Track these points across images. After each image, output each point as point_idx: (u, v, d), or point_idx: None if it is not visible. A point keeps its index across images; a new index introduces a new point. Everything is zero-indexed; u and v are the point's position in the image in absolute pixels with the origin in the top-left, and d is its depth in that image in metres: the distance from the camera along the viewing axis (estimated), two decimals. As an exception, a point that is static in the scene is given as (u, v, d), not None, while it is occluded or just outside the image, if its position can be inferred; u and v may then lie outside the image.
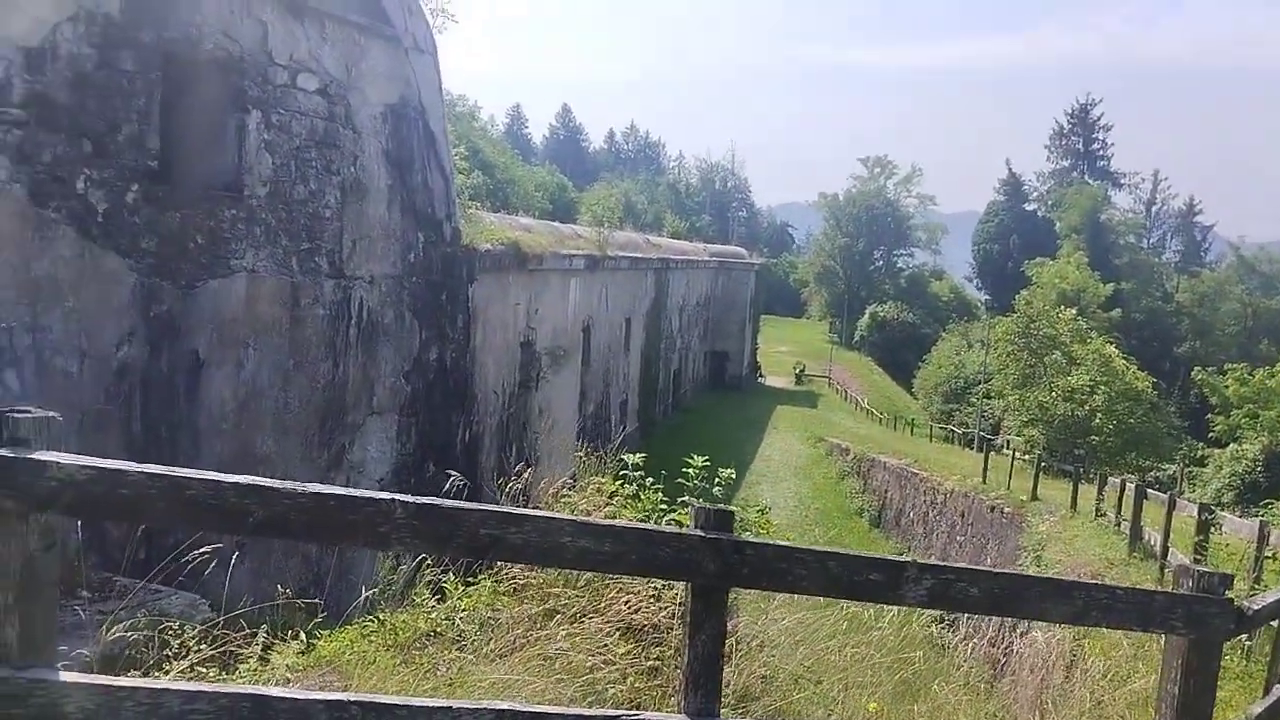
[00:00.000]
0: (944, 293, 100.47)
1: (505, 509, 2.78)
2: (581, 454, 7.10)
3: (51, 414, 2.58)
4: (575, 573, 5.12)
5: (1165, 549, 13.32)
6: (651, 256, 40.79)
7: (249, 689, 2.67)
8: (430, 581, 5.28)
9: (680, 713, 2.97)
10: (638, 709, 3.82)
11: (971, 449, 40.86)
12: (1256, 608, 4.13)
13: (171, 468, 2.52)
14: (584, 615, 4.89)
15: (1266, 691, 5.74)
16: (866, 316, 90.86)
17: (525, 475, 7.25)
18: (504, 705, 2.73)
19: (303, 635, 4.44)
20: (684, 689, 3.00)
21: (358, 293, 14.54)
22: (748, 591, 5.40)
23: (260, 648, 4.04)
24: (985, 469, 26.45)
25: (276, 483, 2.57)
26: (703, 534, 2.98)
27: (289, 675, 4.08)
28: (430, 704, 2.65)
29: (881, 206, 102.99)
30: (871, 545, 29.62)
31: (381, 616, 5.09)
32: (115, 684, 2.56)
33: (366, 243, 14.74)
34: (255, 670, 3.91)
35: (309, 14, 13.37)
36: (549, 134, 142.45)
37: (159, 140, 11.39)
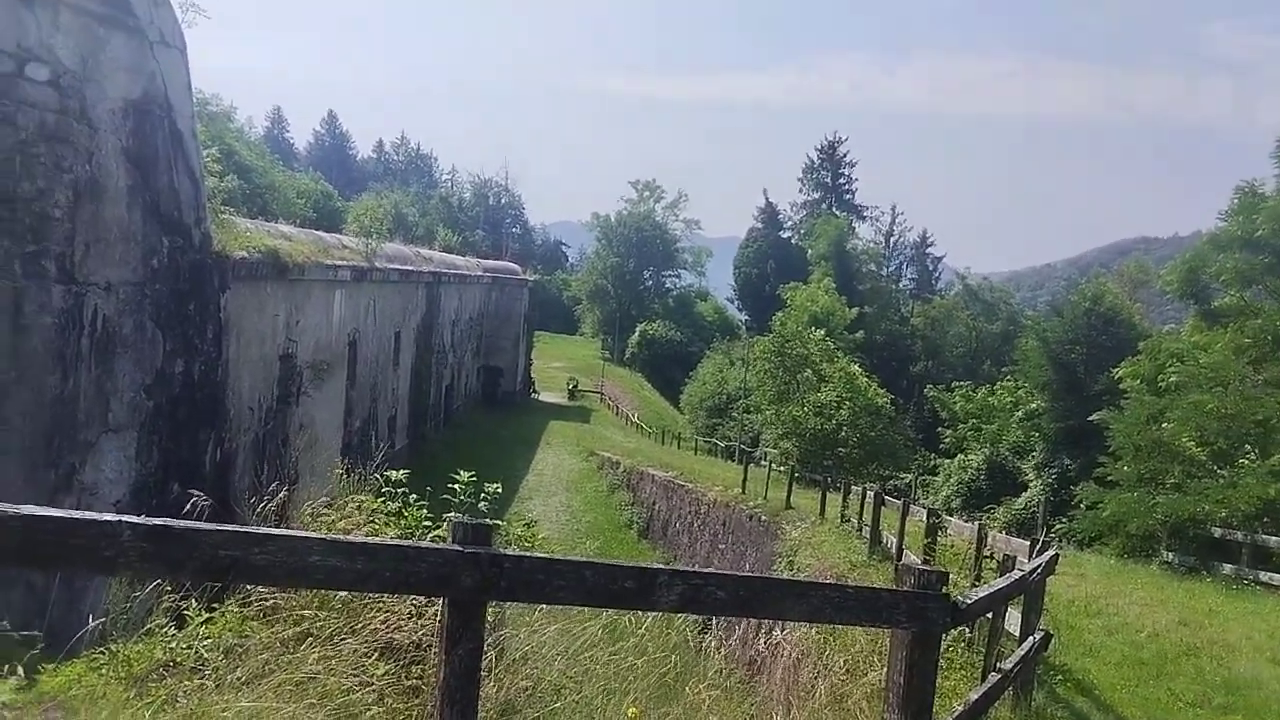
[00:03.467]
0: (709, 313, 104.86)
1: (247, 529, 2.67)
2: (342, 471, 6.87)
3: None
4: (330, 593, 4.95)
5: (900, 551, 14.51)
6: (423, 269, 39.99)
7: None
8: (169, 608, 4.93)
9: (435, 728, 2.96)
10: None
11: (733, 461, 42.79)
12: (969, 602, 4.61)
13: None
14: (339, 636, 4.73)
15: (983, 679, 6.39)
16: (637, 334, 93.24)
17: (281, 495, 6.91)
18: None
19: (21, 670, 4.02)
20: (439, 706, 2.99)
21: (92, 300, 13.38)
22: (515, 605, 5.43)
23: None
24: (745, 480, 27.74)
25: (-17, 506, 2.34)
26: (461, 548, 2.99)
27: (5, 714, 3.68)
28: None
29: (650, 229, 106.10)
30: (640, 556, 30.34)
31: (113, 647, 4.69)
32: None
33: (102, 246, 13.59)
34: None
35: (41, 1, 12.25)
36: (314, 140, 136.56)
37: None
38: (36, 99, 12.63)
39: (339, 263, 27.38)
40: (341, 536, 2.98)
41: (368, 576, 2.85)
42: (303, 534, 2.76)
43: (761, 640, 9.89)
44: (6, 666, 4.33)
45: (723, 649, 7.06)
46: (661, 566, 3.38)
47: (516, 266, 69.24)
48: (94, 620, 4.56)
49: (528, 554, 3.14)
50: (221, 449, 17.76)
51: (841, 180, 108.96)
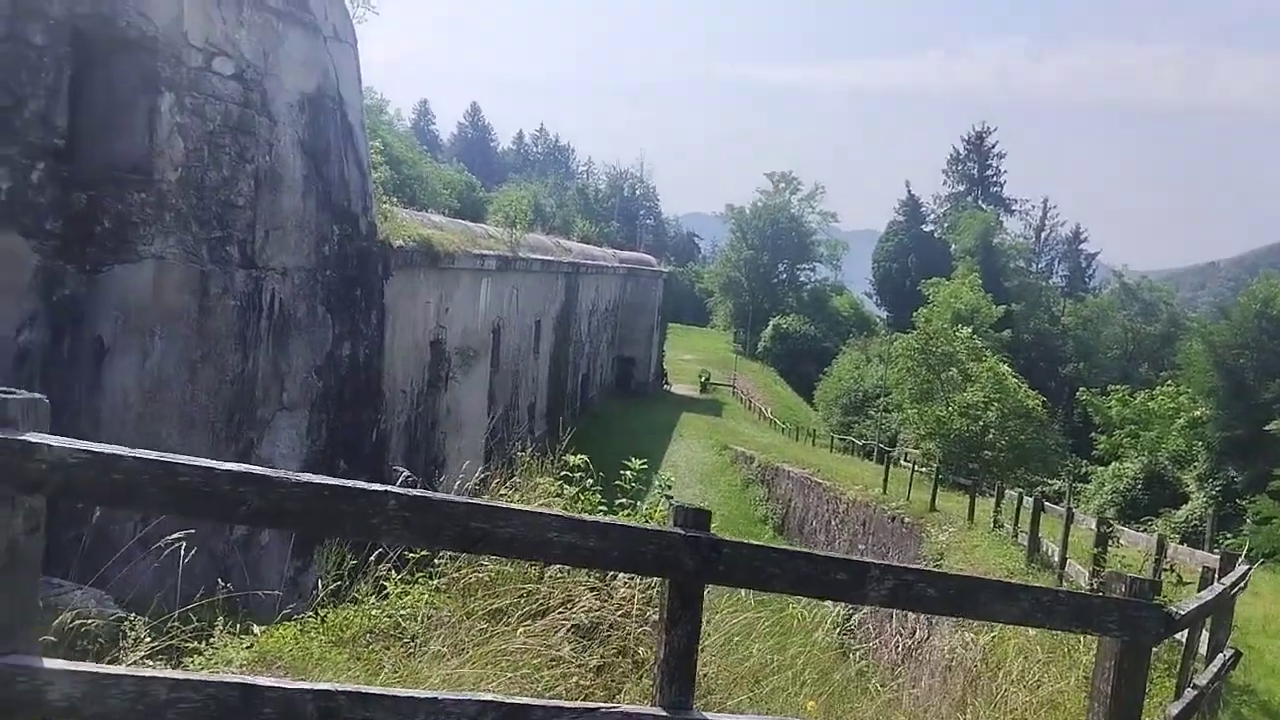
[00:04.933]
0: (844, 308, 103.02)
1: (494, 504, 2.78)
2: (514, 448, 7.09)
3: (39, 396, 2.48)
4: (521, 573, 5.12)
5: (1064, 560, 13.95)
6: (563, 260, 40.70)
7: (236, 678, 2.60)
8: (372, 579, 5.20)
9: (656, 706, 3.03)
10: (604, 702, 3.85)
11: (870, 460, 41.99)
12: (1182, 613, 4.41)
13: (166, 454, 2.45)
14: (530, 615, 4.89)
15: (1178, 694, 6.10)
16: (770, 328, 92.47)
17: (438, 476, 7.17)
18: (487, 697, 2.74)
19: (255, 629, 4.33)
20: (659, 683, 3.05)
21: (270, 284, 14.15)
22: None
23: (203, 642, 3.92)
24: (885, 480, 27.21)
25: (271, 471, 2.52)
26: (683, 532, 3.04)
27: (240, 670, 3.97)
28: (416, 694, 2.63)
29: (786, 221, 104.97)
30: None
31: (322, 613, 4.99)
32: (101, 671, 2.47)
33: (280, 234, 14.35)
34: (206, 663, 3.79)
35: (229, -4, 13.00)
36: (457, 131, 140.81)
37: (67, 118, 10.94)
38: (223, 92, 13.41)
39: (485, 252, 28.14)
40: (578, 515, 3.08)
41: (599, 554, 2.94)
42: (543, 511, 2.86)
43: (919, 643, 9.69)
44: (219, 627, 4.65)
45: (882, 651, 6.95)
46: (873, 561, 3.35)
47: (651, 258, 69.66)
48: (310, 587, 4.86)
49: (745, 541, 3.17)
50: (378, 430, 18.55)
51: (989, 172, 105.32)
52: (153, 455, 2.43)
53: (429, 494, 2.67)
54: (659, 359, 66.35)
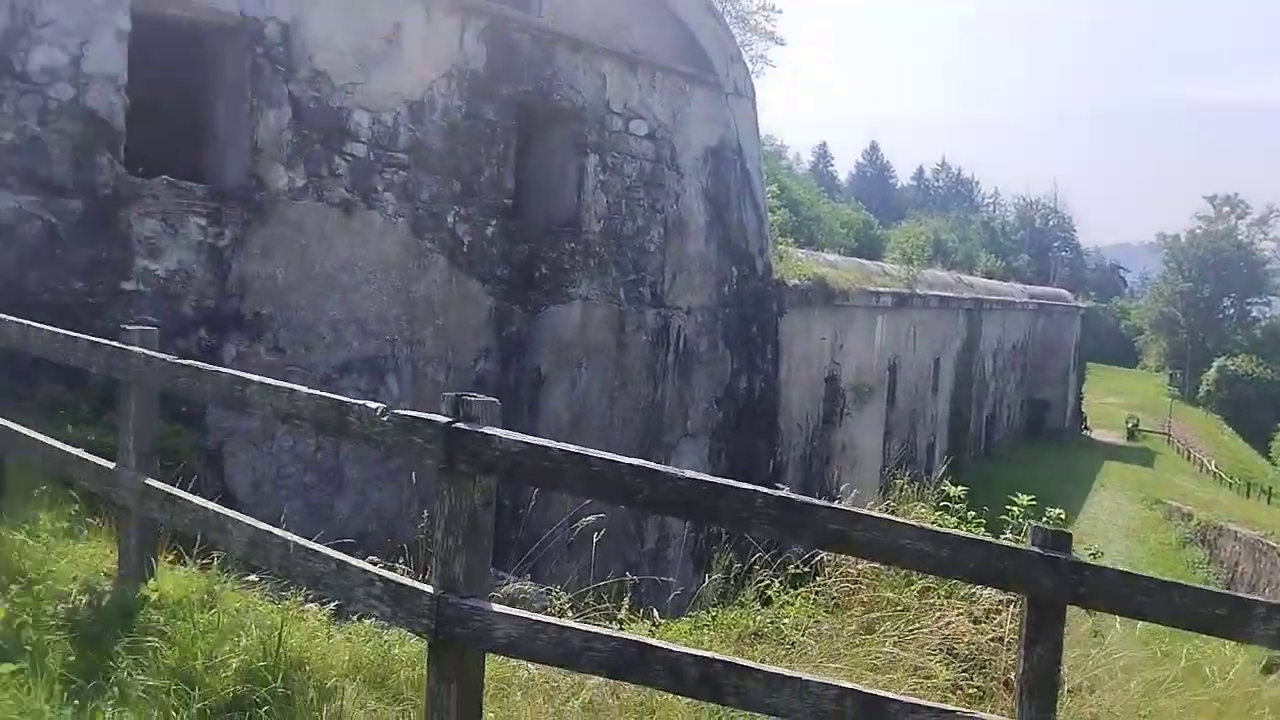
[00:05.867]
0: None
1: (850, 509, 3.06)
2: (899, 480, 7.22)
3: (493, 399, 3.21)
4: (897, 595, 5.29)
5: None
6: (963, 296, 39.29)
7: (635, 636, 3.13)
8: (758, 585, 5.66)
9: (1013, 719, 3.09)
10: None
11: (1344, 525, 35.44)
12: None
13: (581, 447, 3.05)
14: (904, 637, 5.03)
15: None
16: (1213, 370, 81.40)
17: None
18: (848, 685, 3.00)
19: (640, 615, 4.97)
20: (1018, 698, 3.11)
21: (676, 321, 15.42)
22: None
23: (617, 622, 4.61)
24: (1360, 547, 22.95)
25: (660, 466, 3.02)
26: (1040, 551, 3.09)
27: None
28: (784, 672, 2.97)
29: (1231, 249, 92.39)
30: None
31: (712, 613, 5.54)
32: (533, 618, 3.12)
33: (685, 275, 15.61)
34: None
35: (642, 66, 14.50)
36: (855, 171, 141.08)
37: (513, 181, 12.85)
38: (638, 150, 14.92)
39: (880, 289, 28.11)
40: (930, 525, 3.25)
41: (952, 565, 3.09)
42: (897, 519, 3.08)
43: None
44: (641, 612, 5.34)
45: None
46: (1259, 598, 3.13)
47: (1066, 293, 64.72)
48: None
49: (1108, 566, 3.13)
50: (774, 461, 19.27)
51: None
52: (573, 448, 3.03)
53: (793, 495, 3.01)
54: (1076, 402, 61.18)
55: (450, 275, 12.00)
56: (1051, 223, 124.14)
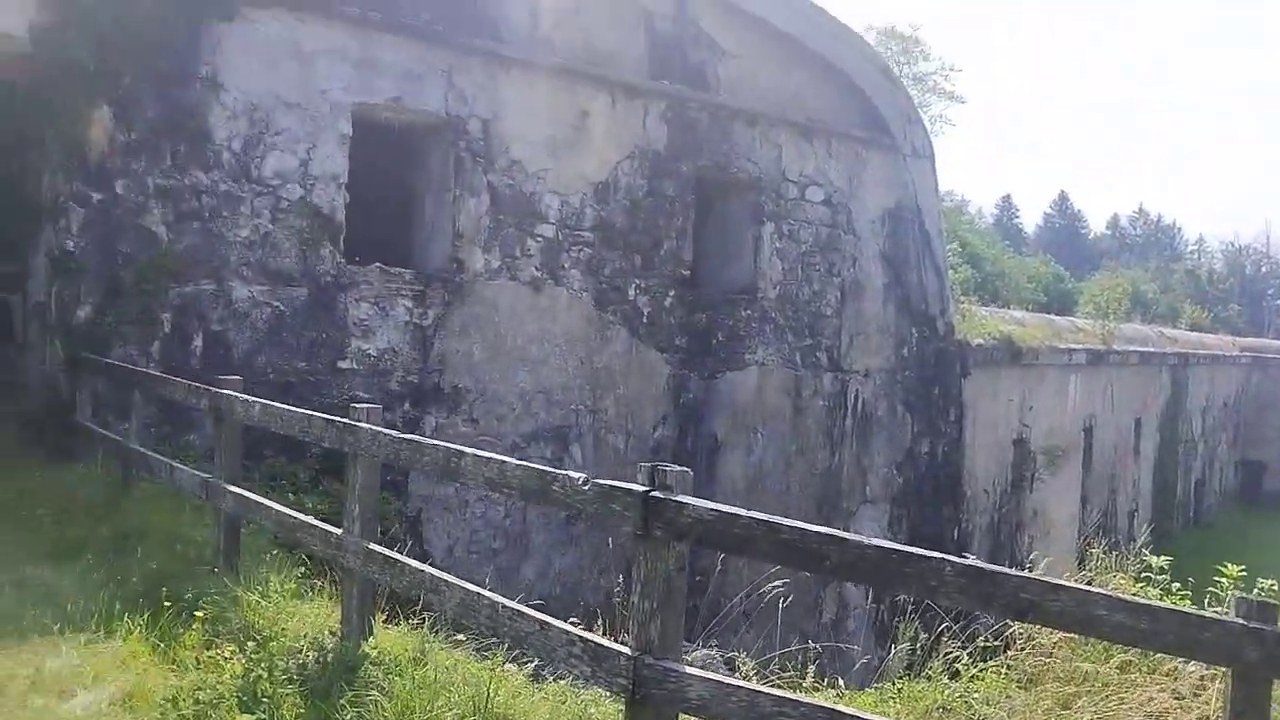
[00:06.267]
0: None
1: (1043, 578, 3.07)
2: (1095, 550, 6.94)
3: (686, 469, 3.44)
4: (1095, 668, 5.09)
5: None
6: (1166, 351, 36.85)
7: (825, 703, 3.24)
8: (945, 657, 5.57)
9: (1222, 803, 2.98)
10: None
11: None
12: None
13: (770, 515, 3.22)
14: (1102, 713, 4.84)
15: None
16: None
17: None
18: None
19: (824, 685, 5.01)
20: (1225, 780, 3.00)
21: (854, 385, 15.30)
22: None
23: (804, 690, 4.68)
24: None
25: (848, 534, 3.15)
26: (1245, 623, 2.99)
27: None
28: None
29: None
30: None
31: (898, 685, 5.49)
32: (725, 681, 3.29)
33: (863, 338, 15.51)
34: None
35: (817, 134, 14.71)
36: (1043, 222, 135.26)
37: (691, 252, 13.25)
38: (814, 216, 15.06)
39: (1072, 346, 26.83)
40: (1127, 595, 3.21)
41: (1150, 636, 3.03)
42: (1091, 589, 3.07)
43: None
44: (826, 682, 5.37)
45: None
46: None
47: (1284, 344, 59.59)
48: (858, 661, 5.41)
49: (1326, 643, 2.98)
50: (959, 528, 18.59)
51: None
52: (762, 515, 3.20)
53: (983, 564, 3.06)
54: (1300, 463, 55.82)
55: (631, 345, 12.45)
56: (1264, 269, 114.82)
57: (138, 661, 4.91)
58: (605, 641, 3.57)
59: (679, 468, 3.40)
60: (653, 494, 3.35)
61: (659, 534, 3.34)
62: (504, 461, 3.98)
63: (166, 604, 5.26)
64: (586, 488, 3.57)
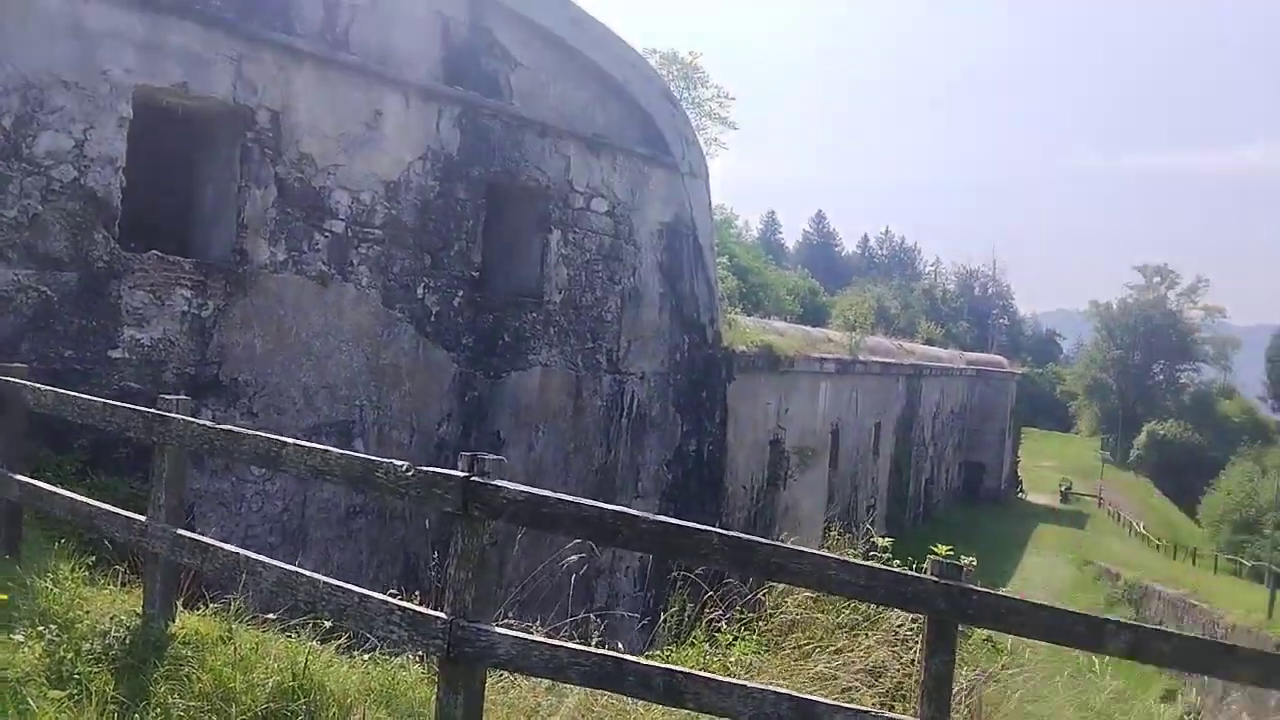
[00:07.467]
0: (1234, 413, 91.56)
1: (790, 546, 3.84)
2: (834, 532, 8.02)
3: (502, 458, 3.95)
4: (825, 620, 6.07)
5: None
6: (904, 362, 40.74)
7: (613, 653, 3.85)
8: (709, 625, 6.37)
9: (917, 718, 3.85)
10: None
11: (1260, 583, 37.02)
12: None
13: (574, 497, 3.80)
14: (833, 664, 5.78)
15: None
16: (1144, 435, 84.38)
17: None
18: (784, 690, 3.74)
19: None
20: (920, 700, 3.88)
21: (630, 387, 16.21)
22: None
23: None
24: (1271, 604, 24.26)
25: (636, 511, 3.79)
26: (936, 579, 3.89)
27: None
28: (733, 681, 3.72)
29: (1161, 317, 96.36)
30: (1142, 677, 27.59)
31: (665, 652, 6.23)
32: (529, 638, 3.83)
33: (640, 343, 16.46)
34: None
35: (604, 149, 15.50)
36: (802, 239, 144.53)
37: (480, 255, 13.63)
38: (598, 226, 15.83)
39: (824, 355, 29.27)
40: (853, 560, 4.04)
41: (867, 590, 3.88)
42: (826, 554, 3.87)
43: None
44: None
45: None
46: (1111, 618, 3.95)
47: (1002, 359, 67.02)
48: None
49: (990, 590, 3.92)
50: (720, 522, 19.98)
51: None
52: (568, 497, 3.79)
53: (742, 535, 3.78)
54: (1012, 465, 63.03)
55: (418, 343, 12.68)
56: (990, 291, 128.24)
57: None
58: (423, 609, 4.02)
59: (495, 456, 3.92)
60: (473, 479, 3.84)
61: (476, 513, 3.84)
62: (327, 451, 4.33)
63: (-52, 595, 5.15)
64: (410, 474, 4.00)
